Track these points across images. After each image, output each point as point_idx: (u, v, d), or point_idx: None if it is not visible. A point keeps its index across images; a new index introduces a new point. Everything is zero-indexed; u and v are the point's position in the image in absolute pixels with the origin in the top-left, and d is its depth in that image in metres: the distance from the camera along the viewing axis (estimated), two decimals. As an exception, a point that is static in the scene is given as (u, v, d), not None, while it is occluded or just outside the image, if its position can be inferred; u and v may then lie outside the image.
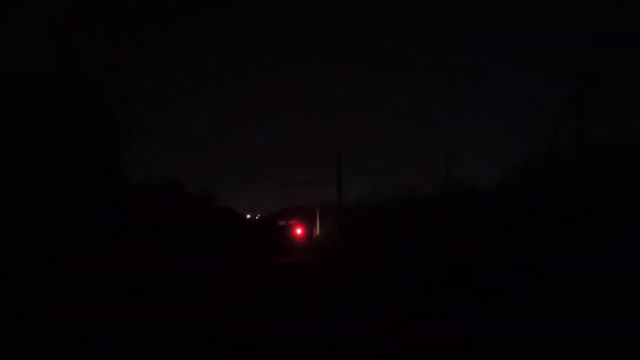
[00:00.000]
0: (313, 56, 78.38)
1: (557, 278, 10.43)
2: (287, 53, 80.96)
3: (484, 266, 13.65)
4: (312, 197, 38.55)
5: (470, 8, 68.94)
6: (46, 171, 13.58)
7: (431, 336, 7.68)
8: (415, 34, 73.81)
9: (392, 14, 74.52)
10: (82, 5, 40.62)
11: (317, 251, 27.79)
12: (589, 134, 22.62)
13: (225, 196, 47.76)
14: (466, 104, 69.18)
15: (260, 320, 9.62)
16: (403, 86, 76.42)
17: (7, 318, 8.53)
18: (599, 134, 21.85)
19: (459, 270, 13.86)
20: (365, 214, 25.87)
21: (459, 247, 16.46)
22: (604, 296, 8.42)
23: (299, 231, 33.84)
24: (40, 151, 13.48)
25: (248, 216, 38.68)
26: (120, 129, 16.76)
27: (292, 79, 78.98)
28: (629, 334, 6.59)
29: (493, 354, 6.78)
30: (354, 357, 7.01)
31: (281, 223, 33.68)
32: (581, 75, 22.50)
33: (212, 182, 39.82)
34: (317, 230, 34.51)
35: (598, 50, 47.55)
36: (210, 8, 77.40)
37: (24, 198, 12.91)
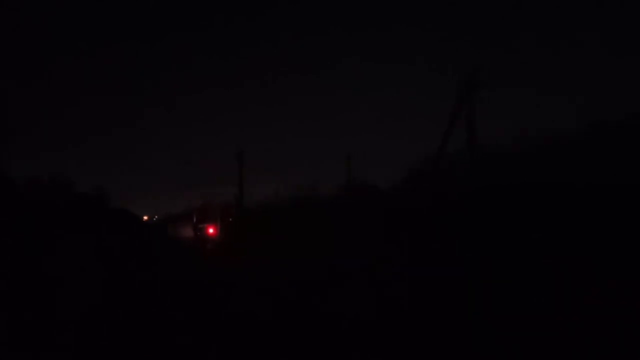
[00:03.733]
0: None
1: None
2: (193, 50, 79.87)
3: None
4: (224, 196, 39.44)
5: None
6: None
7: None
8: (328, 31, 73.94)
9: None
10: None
11: (219, 245, 29.86)
12: (480, 136, 23.79)
13: (126, 197, 48.32)
14: (373, 103, 70.62)
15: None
16: (312, 87, 76.84)
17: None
18: (488, 137, 23.04)
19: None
20: (264, 213, 26.56)
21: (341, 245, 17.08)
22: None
23: (211, 230, 38.61)
24: None
25: (145, 217, 41.10)
26: None
27: (196, 77, 77.87)
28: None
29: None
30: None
31: (200, 225, 38.86)
32: (468, 76, 23.24)
33: (110, 183, 41.16)
34: (217, 230, 36.75)
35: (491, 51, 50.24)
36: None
37: None
